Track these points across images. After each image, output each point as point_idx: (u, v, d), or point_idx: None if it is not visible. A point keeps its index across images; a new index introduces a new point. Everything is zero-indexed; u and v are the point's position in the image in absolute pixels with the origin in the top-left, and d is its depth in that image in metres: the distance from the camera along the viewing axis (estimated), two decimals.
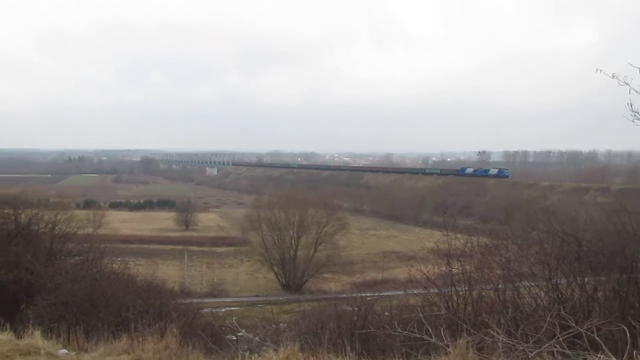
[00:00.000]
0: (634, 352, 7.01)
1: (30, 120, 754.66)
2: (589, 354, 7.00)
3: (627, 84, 6.76)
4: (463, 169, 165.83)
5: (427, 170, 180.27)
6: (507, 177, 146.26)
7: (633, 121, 6.86)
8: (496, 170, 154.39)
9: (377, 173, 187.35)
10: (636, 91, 6.70)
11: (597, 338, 7.19)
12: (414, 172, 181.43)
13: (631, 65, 6.65)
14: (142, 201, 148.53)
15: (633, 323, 7.80)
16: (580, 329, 7.40)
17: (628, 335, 7.18)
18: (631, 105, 6.83)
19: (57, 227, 31.71)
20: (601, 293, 12.38)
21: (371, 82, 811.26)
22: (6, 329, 9.19)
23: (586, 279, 12.77)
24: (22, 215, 27.57)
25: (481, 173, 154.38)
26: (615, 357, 6.76)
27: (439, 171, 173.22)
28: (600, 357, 6.80)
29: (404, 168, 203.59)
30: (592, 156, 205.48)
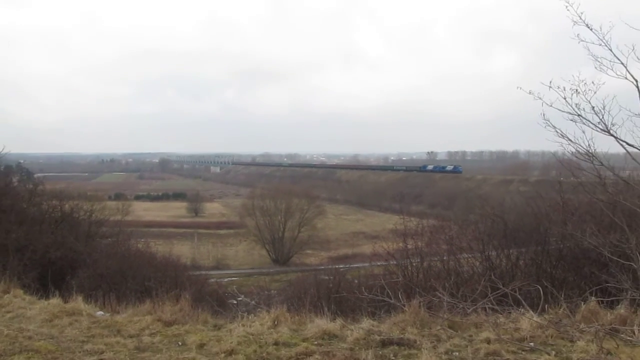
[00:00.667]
0: (546, 306, 7.16)
1: (72, 129, 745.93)
2: (512, 309, 7.12)
3: (540, 99, 6.91)
4: (425, 166, 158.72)
5: (394, 167, 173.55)
6: (460, 172, 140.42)
7: (545, 127, 7.01)
8: (452, 167, 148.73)
9: (352, 170, 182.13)
10: (547, 104, 6.85)
11: (519, 296, 7.32)
12: (384, 168, 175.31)
13: (542, 83, 6.79)
14: (160, 194, 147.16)
15: (545, 284, 7.93)
16: (506, 290, 7.52)
17: (542, 293, 7.34)
18: (543, 115, 6.99)
19: (93, 215, 31.71)
20: (522, 261, 12.55)
21: (342, 96, 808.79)
22: (55, 295, 9.21)
23: (511, 251, 12.96)
24: (66, 206, 27.57)
25: (439, 169, 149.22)
26: (532, 310, 6.90)
27: (404, 168, 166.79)
28: (521, 311, 6.93)
29: (377, 165, 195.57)
30: (515, 155, 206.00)
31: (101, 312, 8.44)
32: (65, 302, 8.83)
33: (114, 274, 16.56)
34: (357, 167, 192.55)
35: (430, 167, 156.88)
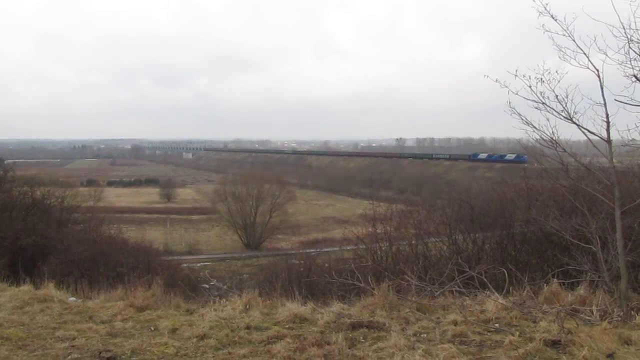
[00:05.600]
0: (511, 288, 7.29)
1: (44, 115, 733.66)
2: (479, 291, 7.23)
3: (506, 87, 6.96)
4: (475, 154, 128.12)
5: (434, 156, 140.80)
6: (525, 161, 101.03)
7: (511, 115, 7.08)
8: (513, 156, 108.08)
9: (323, 156, 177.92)
10: (513, 92, 6.91)
11: (484, 279, 7.43)
12: (419, 157, 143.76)
13: (508, 72, 6.85)
14: (132, 180, 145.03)
15: (510, 267, 8.07)
16: (473, 273, 7.63)
17: (506, 275, 7.45)
18: (509, 102, 7.05)
19: (65, 201, 31.46)
20: (488, 245, 12.71)
21: (314, 84, 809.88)
22: (26, 282, 9.04)
23: (477, 235, 13.13)
24: (37, 192, 27.28)
25: (497, 158, 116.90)
26: (498, 293, 7.01)
27: (447, 156, 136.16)
28: (486, 293, 7.03)
29: (409, 153, 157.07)
30: (481, 142, 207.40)
31: (73, 298, 8.32)
32: (37, 288, 8.68)
33: (86, 260, 16.40)
34: (357, 154, 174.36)
35: (482, 155, 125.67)
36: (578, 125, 6.59)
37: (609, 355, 4.97)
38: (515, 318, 6.28)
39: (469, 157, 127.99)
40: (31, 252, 18.15)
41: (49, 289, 8.53)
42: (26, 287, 8.65)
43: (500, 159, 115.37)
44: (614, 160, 6.63)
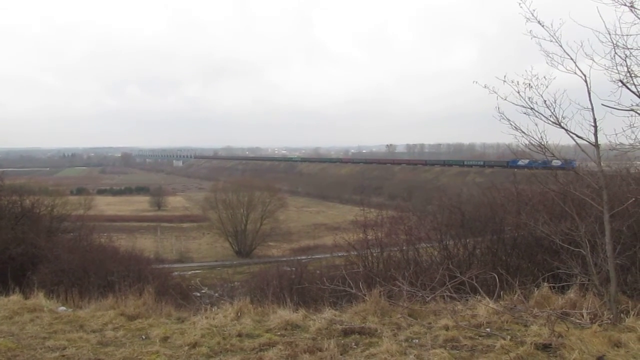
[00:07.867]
0: (502, 292, 7.31)
1: (33, 124, 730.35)
2: (470, 296, 7.26)
3: (495, 93, 6.99)
4: (514, 161, 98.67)
5: (465, 162, 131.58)
6: (574, 168, 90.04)
7: (500, 120, 7.11)
8: (560, 162, 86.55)
9: (314, 163, 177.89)
10: (501, 97, 6.94)
11: (475, 284, 7.46)
12: (448, 163, 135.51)
13: (497, 78, 6.89)
14: (122, 188, 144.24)
15: (501, 271, 8.09)
16: (464, 278, 7.65)
17: (497, 280, 7.48)
18: (498, 108, 7.07)
19: (55, 210, 31.26)
20: (478, 250, 12.73)
21: (304, 92, 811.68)
22: (16, 292, 8.99)
23: (468, 240, 13.14)
24: (27, 201, 27.09)
25: (539, 165, 72.49)
26: (489, 297, 7.03)
27: (481, 163, 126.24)
28: (478, 298, 7.06)
29: (436, 160, 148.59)
30: (471, 147, 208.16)
31: (63, 308, 8.28)
32: (26, 298, 8.65)
33: (76, 269, 16.28)
34: (374, 161, 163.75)
35: (523, 162, 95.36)
36: (566, 130, 6.63)
37: (599, 358, 5.00)
38: (507, 322, 6.31)
39: (507, 163, 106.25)
40: (20, 261, 18.00)
41: (39, 298, 8.49)
42: (15, 297, 8.60)
43: (545, 165, 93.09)
44: (602, 164, 6.67)
